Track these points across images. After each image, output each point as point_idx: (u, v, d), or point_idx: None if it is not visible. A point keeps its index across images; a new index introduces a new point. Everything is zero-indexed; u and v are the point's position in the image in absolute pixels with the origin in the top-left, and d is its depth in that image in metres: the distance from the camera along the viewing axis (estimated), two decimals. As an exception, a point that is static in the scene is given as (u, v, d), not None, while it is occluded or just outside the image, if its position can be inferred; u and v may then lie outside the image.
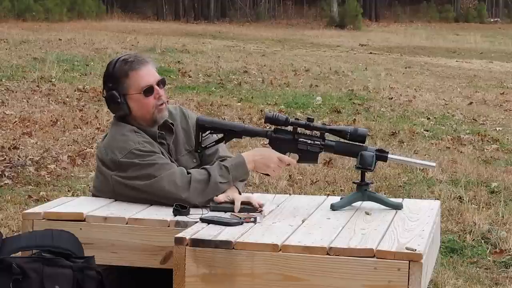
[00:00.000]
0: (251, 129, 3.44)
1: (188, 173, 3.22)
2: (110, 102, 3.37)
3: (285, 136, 3.32)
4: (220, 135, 3.42)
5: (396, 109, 11.89)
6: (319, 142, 3.30)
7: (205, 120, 3.40)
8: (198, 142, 3.38)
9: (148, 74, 3.37)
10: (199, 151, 3.41)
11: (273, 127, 3.34)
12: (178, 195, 3.16)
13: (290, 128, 3.31)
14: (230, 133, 3.38)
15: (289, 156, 3.32)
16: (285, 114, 3.35)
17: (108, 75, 3.37)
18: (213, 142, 3.42)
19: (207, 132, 3.38)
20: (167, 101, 3.46)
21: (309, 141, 3.30)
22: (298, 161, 3.34)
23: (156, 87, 3.37)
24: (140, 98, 3.35)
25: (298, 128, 3.30)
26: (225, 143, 3.45)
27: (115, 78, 3.34)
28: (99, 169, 3.36)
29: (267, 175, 3.40)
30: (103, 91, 3.41)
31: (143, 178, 3.21)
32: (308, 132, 3.32)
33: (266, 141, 3.39)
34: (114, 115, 3.47)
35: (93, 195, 3.44)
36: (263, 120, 9.79)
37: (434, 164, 3.47)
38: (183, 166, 3.38)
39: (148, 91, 3.35)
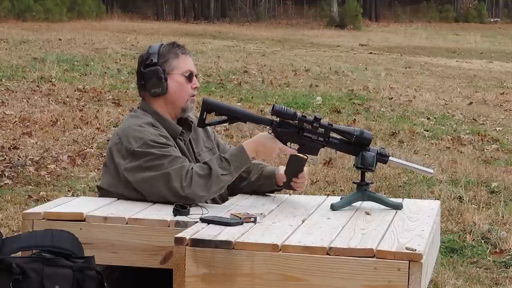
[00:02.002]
0: (256, 117, 3.46)
1: (191, 168, 3.23)
2: (152, 76, 3.42)
3: (290, 130, 3.32)
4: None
5: (396, 109, 11.90)
6: (322, 139, 3.30)
7: (211, 102, 3.42)
8: (202, 118, 3.41)
9: (192, 64, 3.53)
10: (201, 126, 3.45)
11: (278, 118, 3.34)
12: (182, 192, 3.18)
13: (296, 122, 3.32)
14: (233, 117, 3.39)
15: (290, 147, 3.34)
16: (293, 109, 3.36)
17: (153, 53, 3.45)
18: (216, 121, 3.46)
19: (212, 114, 3.43)
20: None
21: (312, 137, 3.30)
22: (298, 150, 3.34)
23: (195, 78, 3.51)
24: (181, 80, 3.45)
25: (304, 124, 3.31)
26: (228, 124, 3.47)
27: (164, 56, 3.44)
28: (111, 157, 3.35)
29: None
30: (139, 68, 3.47)
31: (155, 168, 3.22)
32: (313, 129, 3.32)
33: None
34: (134, 109, 3.49)
35: (100, 189, 3.44)
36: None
37: (432, 171, 3.48)
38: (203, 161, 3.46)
39: (191, 77, 3.48)
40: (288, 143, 3.33)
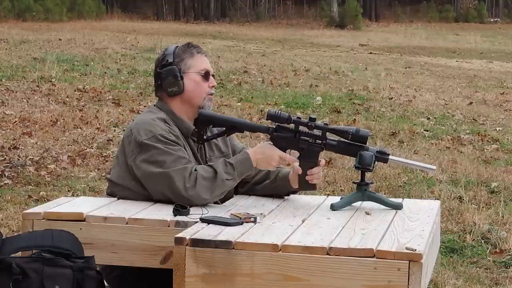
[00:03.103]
0: (253, 125, 3.48)
1: (195, 170, 3.24)
2: (168, 75, 3.43)
3: (287, 134, 3.33)
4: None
5: (396, 109, 11.90)
6: (320, 141, 3.31)
7: (207, 114, 3.44)
8: (200, 134, 3.42)
9: (208, 63, 3.54)
10: (200, 142, 3.45)
11: (275, 124, 3.34)
12: (186, 193, 3.17)
13: (292, 126, 3.32)
14: (231, 127, 3.41)
15: (289, 154, 3.34)
16: (287, 112, 3.36)
17: (169, 54, 3.47)
18: (214, 135, 3.46)
19: (210, 126, 3.44)
20: None
21: (310, 140, 3.31)
22: (299, 158, 3.34)
23: (211, 77, 3.52)
24: (198, 79, 3.45)
25: (300, 127, 3.31)
26: (226, 136, 3.48)
27: (179, 56, 3.46)
28: (122, 148, 3.37)
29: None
30: (156, 69, 3.49)
31: (159, 164, 3.23)
32: (309, 131, 3.32)
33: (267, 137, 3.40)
34: (155, 102, 3.52)
35: (109, 182, 3.46)
36: (263, 120, 9.84)
37: (434, 167, 3.46)
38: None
39: (207, 75, 3.48)
40: (288, 151, 3.34)
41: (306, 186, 3.40)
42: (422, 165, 3.52)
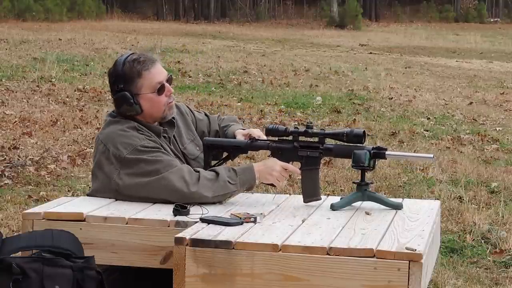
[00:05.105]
0: (254, 144, 3.49)
1: (196, 171, 3.24)
2: (122, 103, 3.33)
3: (286, 146, 3.38)
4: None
5: (396, 109, 11.89)
6: (318, 147, 3.34)
7: (211, 140, 3.50)
8: (207, 162, 3.45)
9: (159, 73, 3.39)
10: (208, 168, 3.45)
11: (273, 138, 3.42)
12: (188, 190, 3.18)
13: (290, 137, 3.37)
14: (235, 149, 3.47)
15: (292, 165, 3.37)
16: (284, 125, 3.43)
17: (118, 76, 3.34)
18: (221, 160, 3.51)
19: (215, 152, 3.48)
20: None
21: (308, 149, 3.35)
22: (301, 168, 3.37)
23: (166, 84, 3.40)
24: (152, 97, 3.36)
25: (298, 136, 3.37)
26: (232, 159, 3.52)
27: (127, 78, 3.32)
28: (99, 166, 3.32)
29: (273, 185, 3.42)
30: (111, 92, 3.40)
31: (151, 174, 3.21)
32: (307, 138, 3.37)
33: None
34: (111, 113, 3.47)
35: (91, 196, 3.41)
36: (263, 121, 9.84)
37: (431, 155, 3.45)
38: (189, 154, 3.48)
39: (161, 89, 3.37)
40: (290, 163, 3.38)
41: (312, 195, 3.40)
42: (420, 155, 3.63)
